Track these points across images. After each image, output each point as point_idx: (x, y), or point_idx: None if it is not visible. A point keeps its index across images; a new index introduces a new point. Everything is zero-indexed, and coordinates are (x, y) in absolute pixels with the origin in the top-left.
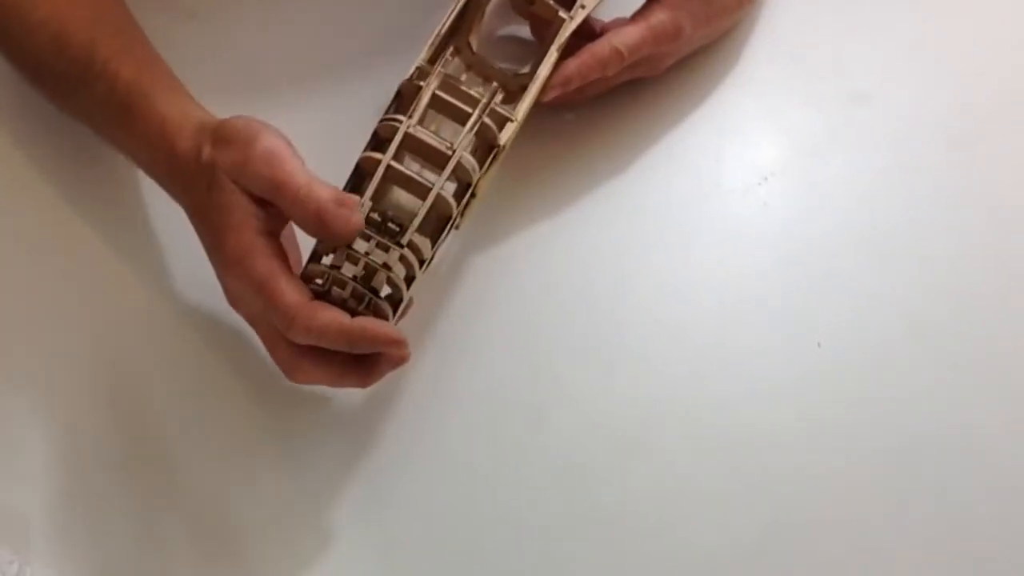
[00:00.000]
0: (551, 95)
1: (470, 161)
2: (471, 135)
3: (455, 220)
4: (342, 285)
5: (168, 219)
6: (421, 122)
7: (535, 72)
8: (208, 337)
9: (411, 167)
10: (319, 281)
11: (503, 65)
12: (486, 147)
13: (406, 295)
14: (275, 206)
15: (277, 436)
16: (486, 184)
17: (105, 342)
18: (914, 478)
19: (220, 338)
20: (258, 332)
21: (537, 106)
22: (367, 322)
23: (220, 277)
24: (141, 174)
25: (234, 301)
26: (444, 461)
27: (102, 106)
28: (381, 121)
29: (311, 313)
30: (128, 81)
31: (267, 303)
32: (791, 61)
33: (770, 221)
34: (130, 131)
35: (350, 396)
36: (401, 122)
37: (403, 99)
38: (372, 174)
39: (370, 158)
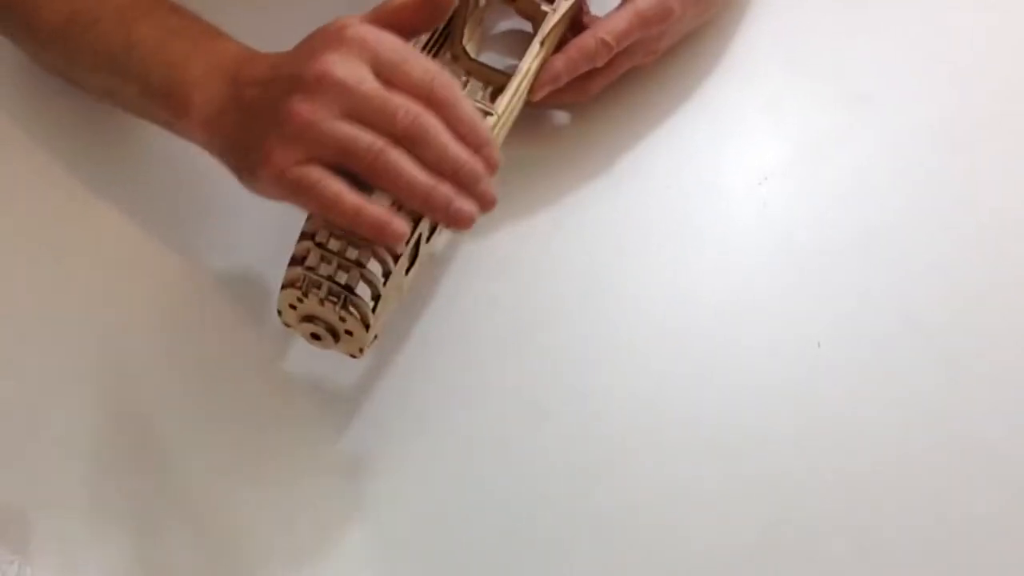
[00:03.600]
0: (541, 93)
1: None
2: None
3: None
4: (318, 286)
5: (170, 219)
6: None
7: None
8: (209, 337)
9: None
10: (297, 285)
11: (514, 63)
12: None
13: (383, 291)
14: None
15: (277, 436)
16: None
17: (106, 342)
18: (914, 478)
19: (221, 338)
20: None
21: (533, 106)
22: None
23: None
24: (143, 175)
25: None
26: (445, 461)
27: (170, 22)
28: None
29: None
30: (194, 16)
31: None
32: (791, 62)
33: (770, 221)
34: (200, 41)
35: (350, 396)
36: None
37: None
38: None
39: None
